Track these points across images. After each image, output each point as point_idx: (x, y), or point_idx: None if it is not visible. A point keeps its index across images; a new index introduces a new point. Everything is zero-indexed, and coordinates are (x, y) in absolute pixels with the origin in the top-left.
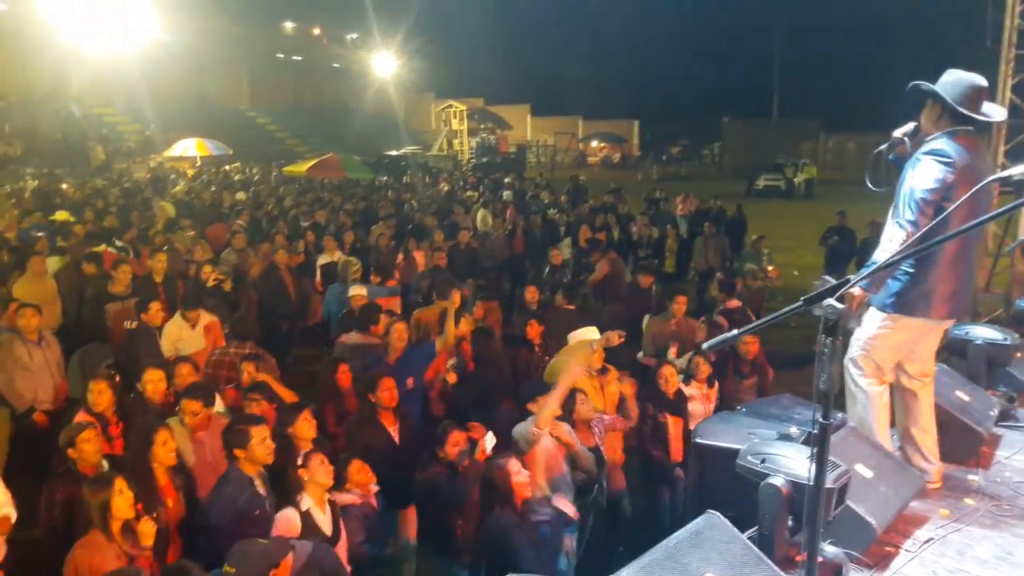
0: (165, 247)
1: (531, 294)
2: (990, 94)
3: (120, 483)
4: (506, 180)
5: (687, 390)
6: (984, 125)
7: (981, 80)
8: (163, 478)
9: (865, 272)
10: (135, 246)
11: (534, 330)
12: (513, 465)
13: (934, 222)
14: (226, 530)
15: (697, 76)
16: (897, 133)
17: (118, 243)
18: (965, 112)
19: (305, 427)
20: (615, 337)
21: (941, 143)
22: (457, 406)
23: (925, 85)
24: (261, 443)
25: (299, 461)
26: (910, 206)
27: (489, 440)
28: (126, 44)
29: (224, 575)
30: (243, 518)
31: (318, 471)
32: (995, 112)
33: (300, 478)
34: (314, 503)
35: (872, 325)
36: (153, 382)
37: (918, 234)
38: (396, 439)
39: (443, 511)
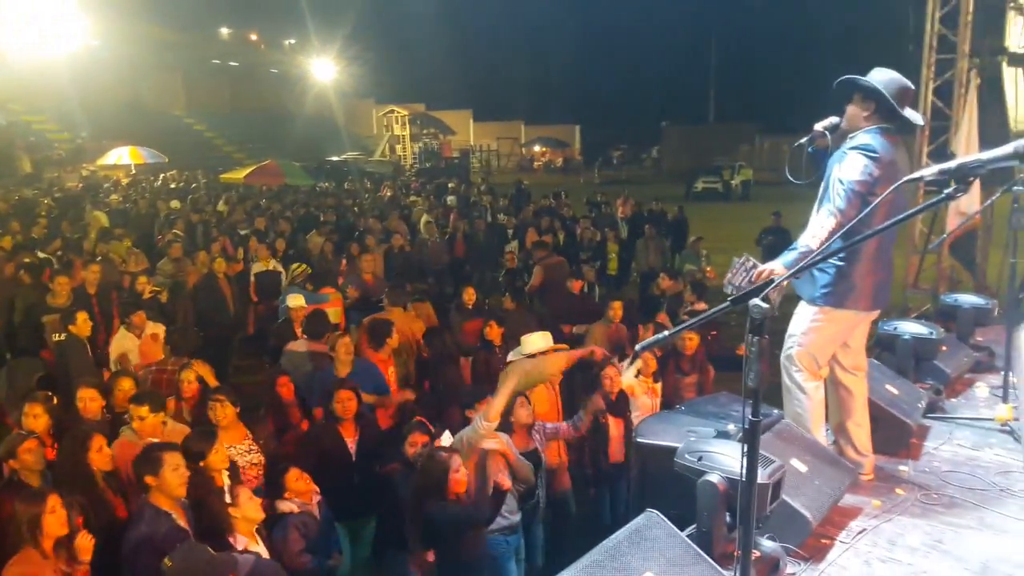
0: (99, 258)
1: (468, 296)
2: (913, 97)
3: (54, 501)
4: (449, 185)
5: (635, 384)
6: (908, 126)
7: (910, 83)
8: (103, 481)
9: (795, 268)
10: (63, 257)
11: (494, 331)
12: (455, 461)
13: (860, 215)
14: (146, 571)
15: (636, 82)
16: (818, 127)
17: (41, 254)
18: (897, 110)
19: (217, 459)
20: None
21: (868, 138)
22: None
23: (861, 80)
24: (174, 471)
25: (226, 498)
26: (840, 195)
27: (445, 438)
28: (54, 49)
29: (162, 568)
30: (162, 557)
31: (247, 506)
32: (916, 117)
33: (230, 517)
34: (249, 540)
35: (804, 320)
36: (86, 400)
37: (847, 225)
38: (352, 450)
39: (399, 508)
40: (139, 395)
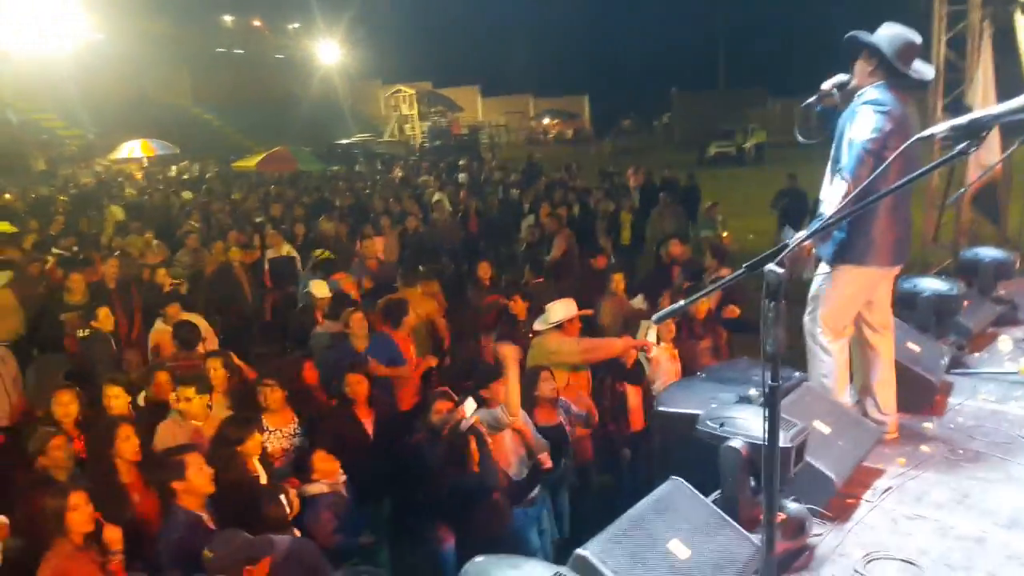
0: (117, 252)
1: (484, 272)
2: (924, 51)
3: (77, 498)
4: (460, 163)
5: (657, 350)
6: (915, 83)
7: (916, 36)
8: (128, 475)
9: (811, 230)
10: (82, 252)
11: (519, 306)
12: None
13: (874, 174)
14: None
15: (643, 49)
16: (826, 85)
17: (55, 250)
18: (900, 68)
19: (252, 445)
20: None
21: (877, 93)
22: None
23: (864, 36)
24: (199, 471)
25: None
26: (851, 157)
27: (468, 405)
28: (58, 46)
29: (204, 558)
30: (191, 561)
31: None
32: (926, 71)
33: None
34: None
35: (825, 280)
36: (111, 397)
37: (862, 185)
38: (370, 431)
39: (420, 475)
40: (185, 376)
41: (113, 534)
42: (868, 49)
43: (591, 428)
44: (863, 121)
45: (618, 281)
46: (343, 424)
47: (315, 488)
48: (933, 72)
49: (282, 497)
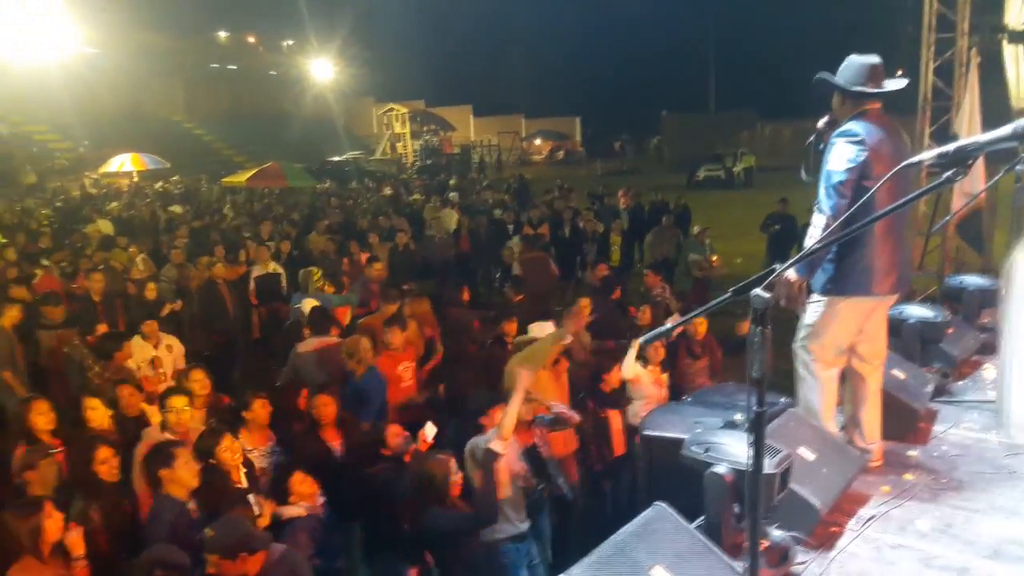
0: (101, 266)
1: (465, 295)
2: (913, 77)
3: (49, 506)
4: (451, 182)
5: (642, 374)
6: (885, 98)
7: (874, 58)
8: (116, 491)
9: (792, 260)
10: (69, 266)
11: (512, 327)
12: (453, 464)
13: (859, 204)
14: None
15: (635, 72)
16: (820, 124)
17: (44, 262)
18: (861, 89)
19: (228, 455)
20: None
21: (850, 124)
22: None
23: (821, 76)
24: (186, 464)
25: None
26: (827, 191)
27: (429, 429)
28: (52, 59)
29: (204, 535)
30: (181, 544)
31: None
32: (894, 84)
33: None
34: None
35: (815, 310)
36: (89, 410)
37: (841, 217)
38: (338, 453)
39: (389, 506)
40: (173, 388)
41: (75, 538)
42: (830, 88)
43: (572, 426)
44: (837, 153)
45: (584, 306)
46: (310, 446)
47: (292, 511)
48: (904, 82)
49: (251, 498)
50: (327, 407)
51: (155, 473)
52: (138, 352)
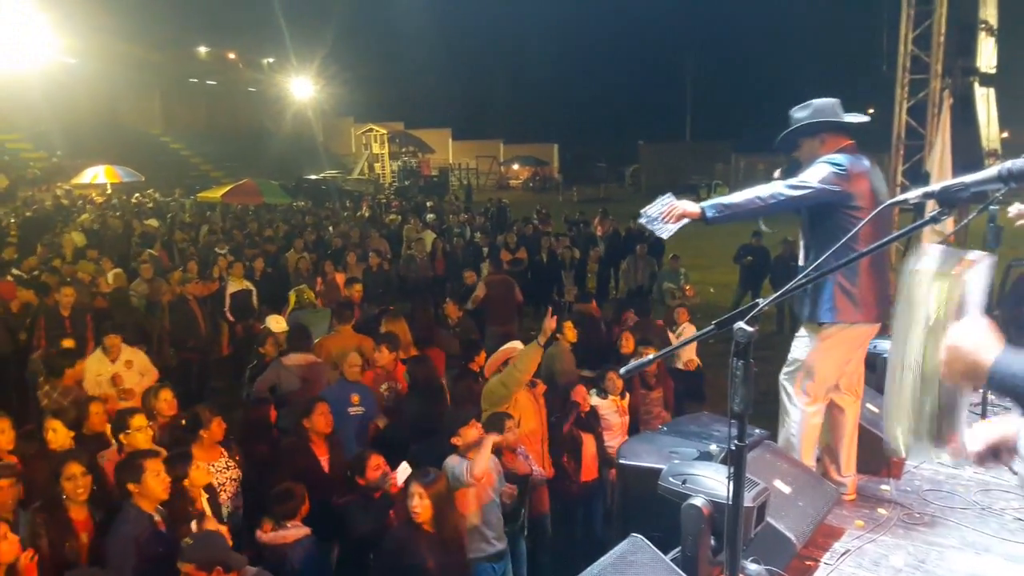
0: (68, 278)
1: (451, 310)
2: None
3: (3, 528)
4: (428, 204)
5: (603, 404)
6: (860, 139)
7: (832, 99)
8: (79, 513)
9: (714, 204)
10: (38, 276)
11: (482, 358)
12: (412, 500)
13: (853, 232)
14: (127, 570)
15: (613, 101)
16: (776, 174)
17: (15, 271)
18: (842, 120)
19: (198, 476)
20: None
21: (834, 154)
22: (391, 438)
23: (792, 128)
24: (155, 476)
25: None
26: (795, 185)
27: (402, 471)
28: (28, 67)
29: (182, 545)
30: (144, 557)
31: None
32: (857, 118)
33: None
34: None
35: (811, 341)
36: (49, 431)
37: (788, 206)
38: (326, 468)
39: (359, 538)
40: (131, 408)
41: (26, 561)
42: (804, 133)
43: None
44: (817, 168)
45: (568, 328)
46: (300, 459)
47: (293, 533)
48: (865, 117)
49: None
50: (327, 416)
51: (124, 485)
52: (96, 367)
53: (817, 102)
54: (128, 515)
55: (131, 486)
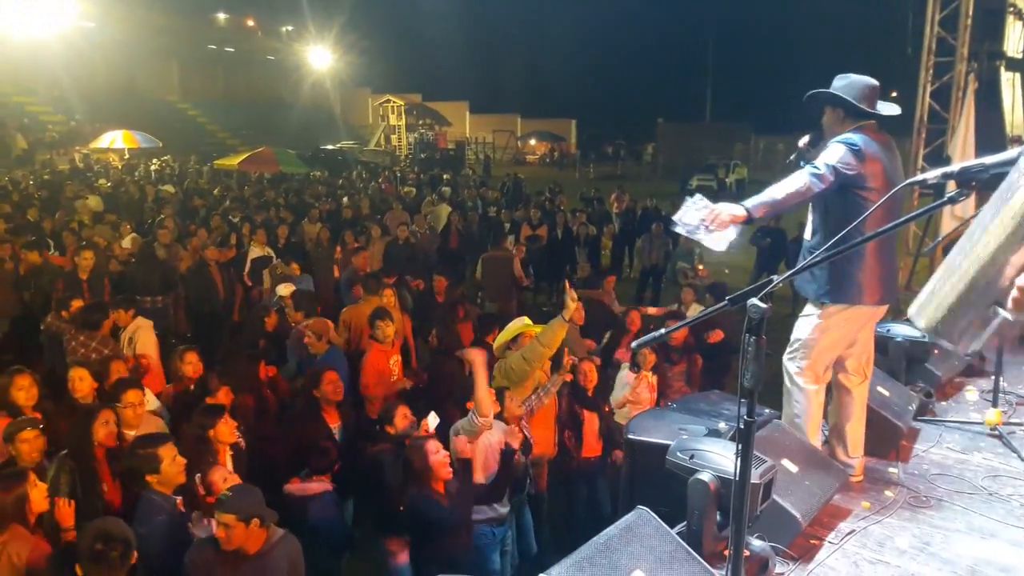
0: (84, 243)
1: (439, 284)
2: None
3: (32, 476)
4: (444, 176)
5: (634, 380)
6: (883, 119)
7: (873, 80)
8: (102, 464)
9: (756, 203)
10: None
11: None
12: (431, 445)
13: (864, 216)
14: (159, 556)
15: (633, 79)
16: (801, 143)
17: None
18: (865, 109)
19: (225, 431)
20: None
21: (849, 134)
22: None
23: (822, 93)
24: (172, 462)
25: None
26: (819, 166)
27: (432, 419)
28: (48, 31)
29: (220, 496)
30: (173, 543)
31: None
32: (890, 109)
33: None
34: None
35: (811, 321)
36: (75, 380)
37: (813, 196)
38: (337, 436)
39: (385, 488)
40: (126, 380)
41: (65, 509)
42: (830, 103)
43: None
44: (833, 150)
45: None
46: (310, 428)
47: (317, 487)
48: (899, 109)
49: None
50: (337, 384)
51: (142, 478)
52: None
53: (856, 79)
54: (151, 503)
55: (150, 477)
